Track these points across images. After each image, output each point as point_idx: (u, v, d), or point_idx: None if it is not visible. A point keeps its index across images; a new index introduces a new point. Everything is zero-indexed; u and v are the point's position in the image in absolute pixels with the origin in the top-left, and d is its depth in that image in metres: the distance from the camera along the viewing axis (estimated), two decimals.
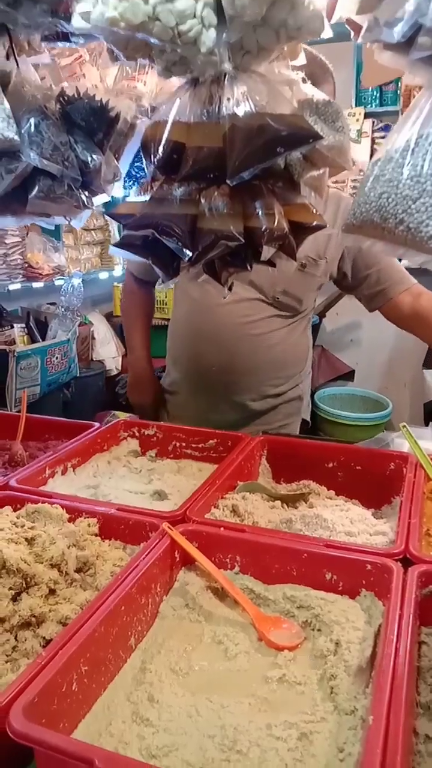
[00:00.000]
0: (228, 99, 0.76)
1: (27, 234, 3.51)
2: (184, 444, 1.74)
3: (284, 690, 0.90)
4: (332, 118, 0.86)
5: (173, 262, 0.89)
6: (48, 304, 3.85)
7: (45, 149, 0.84)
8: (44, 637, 0.91)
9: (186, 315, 1.96)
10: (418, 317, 1.87)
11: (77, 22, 0.74)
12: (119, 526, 1.21)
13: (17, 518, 1.10)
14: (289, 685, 0.90)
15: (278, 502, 1.43)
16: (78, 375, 3.74)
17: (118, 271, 4.57)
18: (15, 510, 1.22)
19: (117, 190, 0.95)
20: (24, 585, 0.95)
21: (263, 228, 0.81)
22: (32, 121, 0.84)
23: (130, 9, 0.69)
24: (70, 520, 1.18)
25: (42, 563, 1.00)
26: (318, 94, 0.87)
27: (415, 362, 4.46)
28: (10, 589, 0.93)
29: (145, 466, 1.67)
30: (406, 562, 1.06)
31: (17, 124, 0.84)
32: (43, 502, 1.20)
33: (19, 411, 1.83)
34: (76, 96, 0.90)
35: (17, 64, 0.89)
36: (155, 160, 0.80)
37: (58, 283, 3.73)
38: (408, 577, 0.99)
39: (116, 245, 0.90)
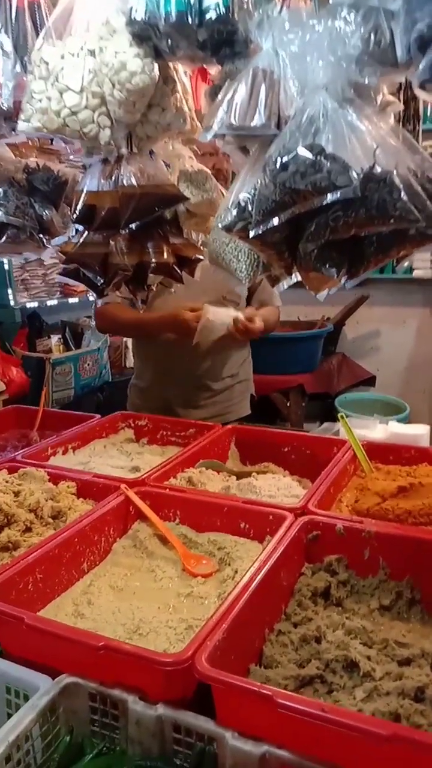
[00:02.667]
0: (122, 174, 1.10)
1: None
2: (169, 433, 2.06)
3: (189, 601, 1.20)
4: (202, 182, 1.18)
5: (99, 286, 1.22)
6: (85, 317, 4.27)
7: (9, 209, 1.20)
8: None
9: None
10: None
11: (20, 127, 1.10)
12: (92, 489, 1.54)
13: (9, 477, 1.46)
14: (194, 598, 1.21)
15: (233, 478, 1.73)
16: (110, 380, 4.13)
17: None
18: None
19: (71, 231, 1.30)
20: (6, 521, 1.30)
21: (152, 261, 1.14)
22: (1, 189, 1.21)
23: (48, 121, 1.05)
24: (54, 483, 1.53)
25: (22, 508, 1.34)
26: (194, 165, 1.19)
27: None
28: None
29: (135, 450, 2.00)
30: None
31: None
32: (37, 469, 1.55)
33: (53, 408, 2.23)
34: (37, 168, 1.26)
35: None
36: (76, 216, 1.15)
37: (92, 297, 4.14)
38: (295, 524, 1.28)
39: (60, 274, 1.25)
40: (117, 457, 1.92)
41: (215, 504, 1.41)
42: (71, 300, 4.04)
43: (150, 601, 1.21)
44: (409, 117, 1.54)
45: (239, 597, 1.02)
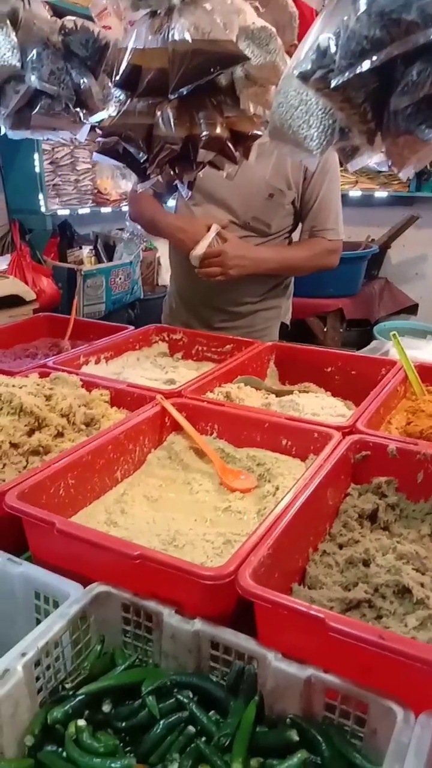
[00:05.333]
0: (173, 29, 0.94)
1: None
2: (205, 348, 1.97)
3: (227, 516, 1.14)
4: (265, 41, 1.01)
5: (141, 167, 1.09)
6: (117, 229, 4.12)
7: (43, 74, 1.05)
8: None
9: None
10: None
11: None
12: (126, 398, 1.47)
13: (41, 381, 1.38)
14: (232, 513, 1.14)
15: (272, 396, 1.64)
16: (142, 297, 4.02)
17: None
18: None
19: (111, 106, 1.15)
20: (37, 425, 1.24)
21: (202, 134, 0.99)
22: (35, 50, 1.05)
23: None
24: (87, 391, 1.45)
25: (54, 412, 1.27)
26: (257, 21, 1.01)
27: None
28: (26, 425, 1.22)
29: (169, 364, 1.92)
30: None
31: (24, 54, 1.05)
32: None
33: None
34: (74, 28, 1.10)
35: (29, 2, 1.10)
36: (117, 80, 0.99)
37: (125, 209, 3.97)
38: (343, 443, 1.19)
39: (96, 152, 1.11)
40: (150, 369, 1.84)
41: (256, 419, 1.32)
42: (103, 210, 3.88)
43: (186, 513, 1.15)
44: None
45: (284, 513, 0.95)
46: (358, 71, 0.65)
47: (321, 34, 0.69)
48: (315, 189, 2.05)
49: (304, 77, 0.71)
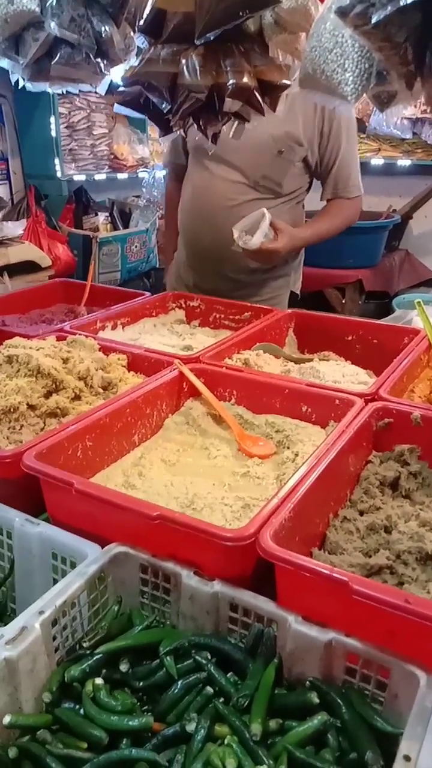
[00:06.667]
0: None
1: (114, 125, 3.67)
2: (222, 316, 1.94)
3: (246, 481, 1.12)
4: None
5: (164, 118, 1.05)
6: (134, 196, 4.06)
7: (63, 20, 1.00)
8: None
9: (188, 199, 2.15)
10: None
11: None
12: (143, 363, 1.45)
13: (58, 344, 1.36)
14: (251, 478, 1.13)
15: (291, 363, 1.61)
16: (157, 266, 3.98)
17: None
18: None
19: (132, 56, 1.10)
20: (54, 387, 1.22)
21: (229, 83, 0.94)
22: None
23: None
24: (104, 354, 1.43)
25: (71, 375, 1.26)
26: None
27: None
28: (43, 387, 1.21)
29: (186, 330, 1.89)
30: None
31: None
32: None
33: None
34: None
35: None
36: (141, 25, 0.95)
37: (141, 175, 3.90)
38: (365, 410, 1.16)
39: (118, 102, 1.07)
40: (167, 336, 1.82)
41: (275, 385, 1.30)
42: (120, 176, 3.81)
43: (204, 477, 1.13)
44: None
45: (305, 478, 0.93)
46: (401, 3, 0.60)
47: None
48: (335, 148, 1.97)
49: (342, 13, 0.67)
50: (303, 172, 2.03)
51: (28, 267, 2.79)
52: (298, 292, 2.32)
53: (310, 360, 1.62)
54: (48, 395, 1.21)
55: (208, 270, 2.17)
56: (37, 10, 1.02)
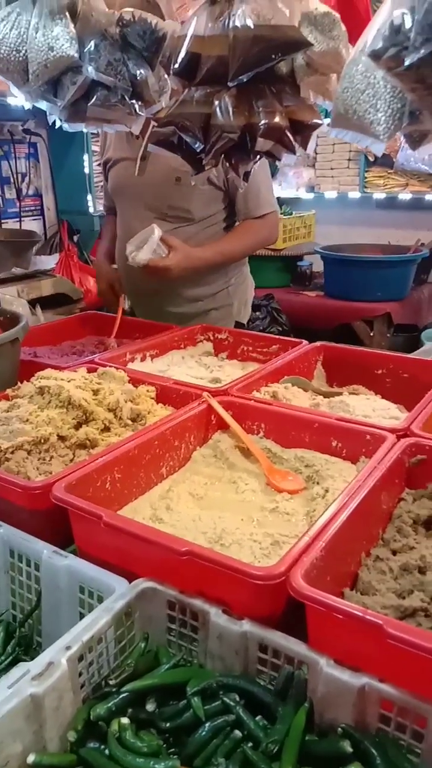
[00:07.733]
0: (234, 15, 0.91)
1: None
2: (250, 348, 1.94)
3: (275, 516, 1.11)
4: (328, 27, 0.97)
5: (197, 157, 1.07)
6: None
7: (101, 65, 1.04)
8: None
9: (118, 242, 2.21)
10: None
11: None
12: (172, 395, 1.45)
13: (89, 376, 1.38)
14: (280, 514, 1.11)
15: (320, 397, 1.60)
16: None
17: None
18: None
19: (166, 97, 1.13)
20: (84, 418, 1.23)
21: (261, 123, 0.96)
22: (93, 41, 1.04)
23: None
24: (134, 386, 1.44)
25: (101, 406, 1.26)
26: (320, 7, 0.98)
27: None
28: (74, 419, 1.21)
29: (214, 363, 1.90)
30: None
31: (81, 45, 1.05)
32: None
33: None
34: (132, 20, 1.09)
35: None
36: (176, 68, 0.98)
37: None
38: (397, 446, 1.14)
39: (151, 143, 1.10)
40: (195, 368, 1.82)
41: (305, 419, 1.29)
42: None
43: (232, 512, 1.12)
44: None
45: (337, 515, 0.91)
46: None
47: (395, 10, 0.66)
48: None
49: (375, 56, 0.68)
50: (215, 195, 2.01)
51: (60, 299, 2.84)
52: (245, 322, 2.33)
53: (340, 393, 1.61)
54: (78, 426, 1.22)
55: (154, 308, 2.20)
56: (76, 55, 1.06)
